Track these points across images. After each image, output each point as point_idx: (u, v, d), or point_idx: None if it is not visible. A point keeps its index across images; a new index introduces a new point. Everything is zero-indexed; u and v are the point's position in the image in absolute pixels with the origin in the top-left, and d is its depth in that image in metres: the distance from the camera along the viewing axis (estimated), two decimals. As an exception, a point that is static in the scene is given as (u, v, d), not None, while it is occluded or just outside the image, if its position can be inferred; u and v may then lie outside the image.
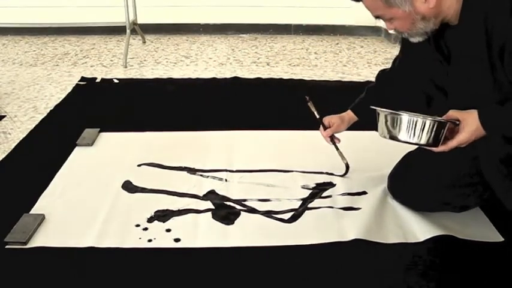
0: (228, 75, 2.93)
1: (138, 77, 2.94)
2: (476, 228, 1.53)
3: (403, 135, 1.32)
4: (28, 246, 1.45)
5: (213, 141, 2.07)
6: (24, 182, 1.79)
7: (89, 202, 1.67)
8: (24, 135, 2.15)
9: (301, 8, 3.73)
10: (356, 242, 1.45)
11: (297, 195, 1.71)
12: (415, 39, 1.33)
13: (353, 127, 2.05)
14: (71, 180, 1.80)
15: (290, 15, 3.79)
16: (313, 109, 1.78)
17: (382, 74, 1.71)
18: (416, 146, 1.59)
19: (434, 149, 1.33)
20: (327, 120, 1.76)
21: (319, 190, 1.74)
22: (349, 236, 1.48)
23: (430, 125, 1.29)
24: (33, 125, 2.25)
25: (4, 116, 2.37)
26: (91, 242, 1.46)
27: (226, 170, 1.86)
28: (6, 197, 1.70)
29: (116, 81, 2.85)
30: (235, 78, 2.87)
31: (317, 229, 1.53)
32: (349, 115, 1.75)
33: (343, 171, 1.82)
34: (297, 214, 1.61)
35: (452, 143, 1.30)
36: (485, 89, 1.28)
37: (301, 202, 1.67)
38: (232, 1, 3.74)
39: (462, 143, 1.29)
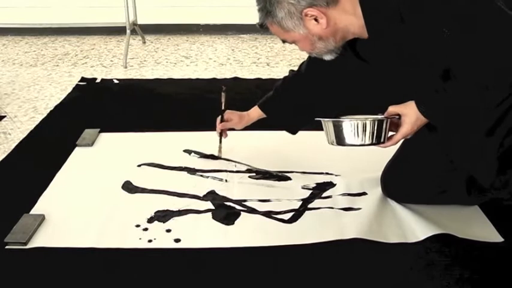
0: (228, 76, 2.93)
1: (138, 77, 2.94)
2: (475, 228, 1.53)
3: (348, 139, 1.37)
4: (28, 246, 1.45)
5: (213, 142, 2.07)
6: (24, 183, 1.79)
7: (89, 202, 1.67)
8: (24, 136, 2.15)
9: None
10: (356, 241, 1.45)
11: (297, 195, 1.71)
12: (326, 57, 1.40)
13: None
14: (71, 181, 1.80)
15: (290, 16, 3.78)
16: (223, 100, 1.88)
17: (289, 74, 1.81)
18: (398, 145, 1.62)
19: (381, 146, 1.38)
20: (227, 114, 1.87)
21: (319, 190, 1.74)
22: (349, 236, 1.48)
23: (370, 125, 1.35)
24: (33, 125, 2.26)
25: (4, 116, 2.37)
26: (91, 243, 1.46)
27: (226, 171, 1.86)
28: (6, 198, 1.70)
29: (116, 81, 2.85)
30: (236, 79, 2.87)
31: (317, 229, 1.53)
32: (253, 113, 1.86)
33: (340, 172, 1.84)
34: (297, 214, 1.61)
35: (397, 137, 1.36)
36: (411, 86, 1.36)
37: (301, 202, 1.67)
38: (232, 1, 3.74)
39: (407, 135, 1.35)
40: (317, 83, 1.68)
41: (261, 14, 1.36)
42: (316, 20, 1.28)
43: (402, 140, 1.44)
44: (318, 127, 1.46)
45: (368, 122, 1.34)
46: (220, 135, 1.91)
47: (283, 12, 1.29)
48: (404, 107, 1.34)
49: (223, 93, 1.88)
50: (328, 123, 1.40)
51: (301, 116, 1.76)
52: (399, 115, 1.35)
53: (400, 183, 1.61)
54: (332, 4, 1.27)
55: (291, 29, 1.32)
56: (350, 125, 1.36)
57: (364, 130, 1.35)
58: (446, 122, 1.35)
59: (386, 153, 1.78)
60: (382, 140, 1.37)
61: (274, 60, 3.25)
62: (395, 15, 1.24)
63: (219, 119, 1.87)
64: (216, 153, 1.94)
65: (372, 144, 1.37)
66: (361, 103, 1.51)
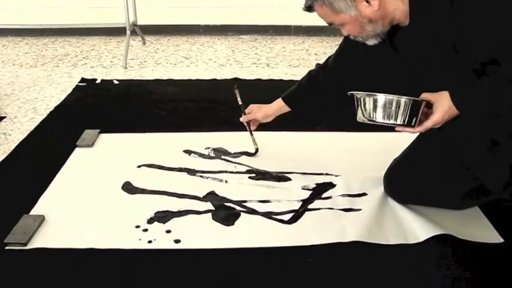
0: (228, 77, 2.93)
1: (138, 78, 2.94)
2: (476, 229, 1.53)
3: (379, 116, 1.35)
4: (28, 247, 1.45)
5: (213, 143, 2.07)
6: (24, 183, 1.79)
7: (89, 203, 1.67)
8: (24, 136, 2.15)
9: (301, 9, 3.72)
10: (356, 243, 1.45)
11: (297, 196, 1.71)
12: (370, 42, 1.39)
13: (352, 128, 2.06)
14: (71, 182, 1.80)
15: (290, 16, 3.79)
16: (238, 96, 1.93)
17: (314, 70, 1.80)
18: (405, 145, 1.61)
19: (410, 129, 1.37)
20: (249, 107, 1.91)
21: (319, 191, 1.74)
22: (350, 237, 1.48)
23: (405, 104, 1.32)
24: (33, 126, 2.25)
25: (4, 117, 2.37)
26: (91, 243, 1.46)
27: (226, 171, 1.86)
28: (6, 198, 1.70)
29: (116, 82, 2.85)
30: (235, 79, 2.87)
31: (317, 230, 1.53)
32: (274, 105, 1.86)
33: (340, 173, 1.83)
34: (297, 215, 1.61)
35: (427, 123, 1.34)
36: (446, 79, 1.34)
37: (301, 203, 1.67)
38: (232, 2, 3.74)
39: (437, 123, 1.34)
40: (345, 76, 1.66)
41: None
42: (367, 1, 1.28)
43: (417, 135, 1.44)
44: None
45: (404, 100, 1.32)
46: (249, 127, 1.94)
47: None
48: (438, 95, 1.33)
49: (236, 90, 1.91)
50: (360, 96, 1.38)
51: (322, 110, 1.78)
52: (432, 102, 1.33)
53: (404, 183, 1.60)
54: None
55: (342, 10, 1.30)
56: (385, 100, 1.34)
57: (398, 108, 1.33)
58: (476, 116, 1.34)
59: (386, 154, 1.78)
60: (412, 124, 1.34)
61: (274, 61, 3.25)
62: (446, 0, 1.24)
63: (243, 115, 1.92)
64: (252, 150, 1.97)
65: (402, 125, 1.35)
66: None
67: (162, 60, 3.28)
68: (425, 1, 1.29)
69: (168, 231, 1.53)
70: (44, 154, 2.00)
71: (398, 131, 1.40)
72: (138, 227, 1.55)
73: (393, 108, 1.33)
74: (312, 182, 1.79)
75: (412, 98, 1.33)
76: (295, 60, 3.24)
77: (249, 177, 1.83)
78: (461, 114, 1.32)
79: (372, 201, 1.66)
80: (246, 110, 1.91)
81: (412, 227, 1.53)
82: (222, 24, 3.85)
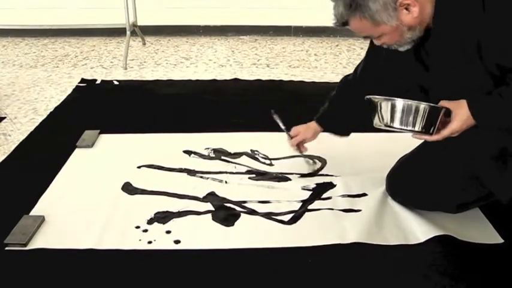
0: (228, 77, 2.93)
1: (138, 78, 2.94)
2: (476, 229, 1.53)
3: (397, 122, 1.32)
4: (28, 247, 1.45)
5: (213, 143, 2.07)
6: (24, 184, 1.79)
7: (89, 204, 1.66)
8: (24, 137, 2.15)
9: (301, 9, 3.73)
10: (356, 244, 1.45)
11: (297, 196, 1.71)
12: (403, 48, 1.37)
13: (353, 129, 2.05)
14: (71, 182, 1.80)
15: (290, 17, 3.79)
16: (278, 121, 1.87)
17: (344, 82, 1.75)
18: (412, 148, 1.60)
19: (428, 137, 1.34)
20: (294, 130, 1.84)
21: (319, 191, 1.74)
22: (350, 238, 1.48)
23: (424, 110, 1.29)
24: (33, 127, 2.26)
25: (4, 118, 2.37)
26: (91, 244, 1.46)
27: (226, 172, 1.86)
28: (6, 199, 1.70)
29: (116, 82, 2.85)
30: (235, 80, 2.87)
31: (317, 231, 1.53)
32: (315, 125, 1.81)
33: (340, 173, 1.84)
34: (297, 216, 1.61)
35: (444, 132, 1.32)
36: (468, 85, 1.31)
37: (301, 204, 1.67)
38: (232, 3, 3.74)
39: (454, 132, 1.32)
40: (372, 90, 1.56)
41: (344, 11, 1.29)
42: (407, 9, 1.26)
43: (422, 142, 1.41)
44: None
45: (423, 106, 1.29)
46: (300, 151, 1.86)
47: (378, 4, 1.24)
48: (457, 104, 1.30)
49: (275, 116, 1.88)
50: (379, 101, 1.35)
51: (355, 122, 1.72)
52: (450, 110, 1.31)
53: (408, 187, 1.59)
54: None
55: (383, 22, 1.27)
56: (403, 105, 1.30)
57: (417, 114, 1.29)
58: (493, 126, 1.31)
59: (386, 154, 1.78)
60: (431, 131, 1.31)
61: (274, 61, 3.25)
62: (477, 3, 1.21)
63: (288, 137, 1.85)
64: (311, 170, 1.89)
65: (420, 132, 1.32)
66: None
67: (162, 61, 3.28)
68: (454, 3, 1.26)
69: (168, 232, 1.53)
70: (44, 155, 2.00)
71: (415, 138, 1.39)
72: (138, 227, 1.55)
73: (412, 114, 1.30)
74: (312, 182, 1.79)
75: (431, 104, 1.30)
76: (295, 61, 3.24)
77: (249, 178, 1.83)
78: (479, 124, 1.29)
79: (372, 201, 1.66)
80: (292, 133, 1.84)
81: (412, 227, 1.53)
82: (222, 24, 3.85)
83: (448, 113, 1.31)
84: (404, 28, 1.29)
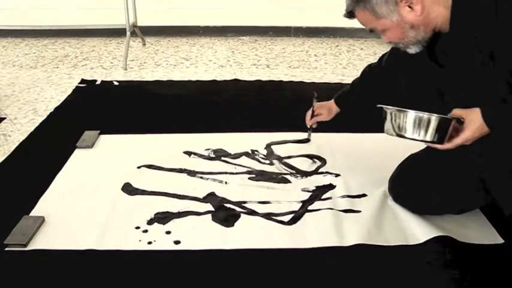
0: (228, 78, 2.93)
1: (138, 79, 2.94)
2: (476, 230, 1.53)
3: (409, 132, 1.35)
4: (28, 248, 1.45)
5: (213, 144, 2.07)
6: (24, 184, 1.79)
7: (89, 204, 1.66)
8: (24, 137, 2.15)
9: (301, 10, 3.73)
10: (356, 244, 1.45)
11: (297, 197, 1.71)
12: (411, 50, 1.37)
13: (353, 129, 2.06)
14: (70, 183, 1.80)
15: (290, 18, 3.79)
16: (314, 103, 1.94)
17: (368, 69, 1.79)
18: (419, 149, 1.60)
19: (439, 146, 1.35)
20: (317, 110, 1.94)
21: (319, 192, 1.74)
22: (350, 239, 1.48)
23: (435, 122, 1.31)
24: (33, 127, 2.25)
25: (4, 118, 2.37)
26: (91, 244, 1.46)
27: (226, 173, 1.86)
28: (6, 199, 1.70)
29: (115, 83, 2.85)
30: (235, 81, 2.87)
31: (317, 232, 1.53)
32: (332, 104, 1.89)
33: (339, 172, 1.84)
34: (296, 216, 1.61)
35: (457, 140, 1.32)
36: (481, 91, 1.30)
37: (301, 204, 1.67)
38: (232, 3, 3.74)
39: (467, 141, 1.31)
40: (395, 77, 1.61)
41: (350, 2, 1.32)
42: (410, 6, 1.26)
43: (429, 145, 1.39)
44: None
45: (434, 118, 1.31)
46: (310, 127, 2.01)
47: None
48: (470, 112, 1.29)
49: (315, 99, 1.95)
50: (390, 111, 1.37)
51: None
52: (463, 118, 1.31)
53: (412, 193, 1.57)
54: None
55: (384, 15, 1.29)
56: (415, 116, 1.33)
57: (428, 125, 1.32)
58: (506, 135, 1.29)
59: (386, 155, 1.79)
60: (443, 140, 1.33)
61: (274, 62, 3.25)
62: (490, 9, 1.21)
63: (309, 113, 1.95)
64: (305, 136, 2.07)
65: (431, 142, 1.34)
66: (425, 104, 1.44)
67: (162, 62, 3.28)
68: (468, 9, 1.26)
69: (168, 232, 1.53)
70: (44, 155, 2.00)
71: (427, 145, 1.39)
72: (138, 228, 1.55)
73: (423, 125, 1.32)
74: (312, 182, 1.79)
75: (442, 116, 1.31)
76: (295, 62, 3.24)
77: (249, 178, 1.83)
78: (492, 133, 1.28)
79: (372, 202, 1.66)
80: (316, 112, 1.94)
81: (412, 228, 1.53)
82: (222, 25, 3.85)
83: (461, 121, 1.31)
84: (406, 25, 1.30)
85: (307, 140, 2.06)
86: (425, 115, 1.32)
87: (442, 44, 1.36)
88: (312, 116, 1.95)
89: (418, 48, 1.36)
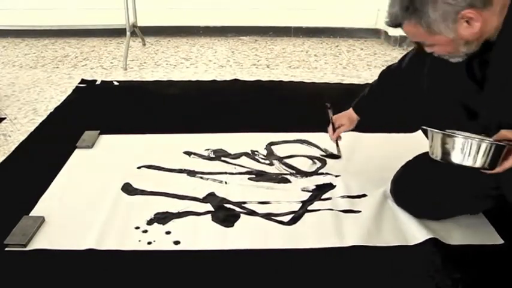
0: (228, 78, 2.93)
1: (138, 79, 2.94)
2: (476, 230, 1.53)
3: (457, 157, 1.25)
4: (28, 248, 1.45)
5: (213, 144, 2.07)
6: (24, 184, 1.79)
7: (89, 204, 1.67)
8: (24, 138, 2.15)
9: (301, 10, 3.73)
10: (356, 245, 1.45)
11: (297, 197, 1.71)
12: (454, 60, 1.28)
13: (352, 129, 2.05)
14: (70, 183, 1.80)
15: (290, 18, 3.79)
16: (330, 114, 1.84)
17: (387, 70, 1.69)
18: (419, 151, 1.59)
19: (488, 171, 1.26)
20: (337, 121, 1.81)
21: (318, 192, 1.74)
22: (349, 240, 1.48)
23: (486, 148, 1.22)
24: (33, 127, 2.26)
25: (4, 118, 2.37)
26: (91, 244, 1.46)
27: (226, 173, 1.86)
28: (6, 199, 1.70)
29: (115, 83, 2.85)
30: (235, 81, 2.87)
31: (317, 232, 1.53)
32: (351, 112, 1.79)
33: (339, 173, 1.84)
34: (296, 216, 1.61)
35: (506, 164, 1.23)
36: None
37: (301, 204, 1.67)
38: (232, 3, 3.74)
39: None
40: (417, 79, 1.50)
41: (401, 12, 1.19)
42: (467, 22, 1.15)
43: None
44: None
45: (485, 145, 1.21)
46: (336, 141, 1.88)
47: (438, 13, 1.14)
48: None
49: (329, 110, 1.84)
50: (437, 134, 1.28)
51: (393, 113, 1.66)
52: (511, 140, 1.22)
53: (416, 198, 1.54)
54: (488, 5, 1.14)
55: (440, 32, 1.18)
56: (463, 142, 1.23)
57: (478, 151, 1.22)
58: None
59: (386, 155, 1.79)
60: (494, 166, 1.23)
61: (274, 62, 3.25)
62: None
63: (330, 128, 1.83)
64: (335, 152, 1.95)
65: (481, 168, 1.24)
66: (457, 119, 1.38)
67: (162, 62, 3.28)
68: None
69: (168, 233, 1.53)
70: (44, 155, 2.00)
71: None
72: (137, 228, 1.55)
73: (473, 151, 1.23)
74: (312, 183, 1.79)
75: (494, 142, 1.22)
76: (295, 62, 3.24)
77: (249, 179, 1.83)
78: None
79: (371, 202, 1.66)
80: (336, 125, 1.82)
81: (412, 228, 1.53)
82: (222, 25, 3.85)
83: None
84: (460, 41, 1.20)
85: (337, 156, 1.93)
86: (475, 141, 1.22)
87: (486, 53, 1.25)
88: (334, 129, 1.83)
89: (462, 59, 1.27)
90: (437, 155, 1.30)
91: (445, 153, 1.27)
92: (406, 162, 1.63)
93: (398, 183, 1.63)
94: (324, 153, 1.98)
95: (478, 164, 1.24)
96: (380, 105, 1.72)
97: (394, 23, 1.23)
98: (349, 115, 1.80)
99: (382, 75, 1.71)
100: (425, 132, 1.35)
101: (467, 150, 1.24)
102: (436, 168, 1.44)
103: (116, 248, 1.45)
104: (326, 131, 1.86)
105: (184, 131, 2.19)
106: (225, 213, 1.62)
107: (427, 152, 1.35)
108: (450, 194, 1.48)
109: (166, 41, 3.75)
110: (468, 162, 1.24)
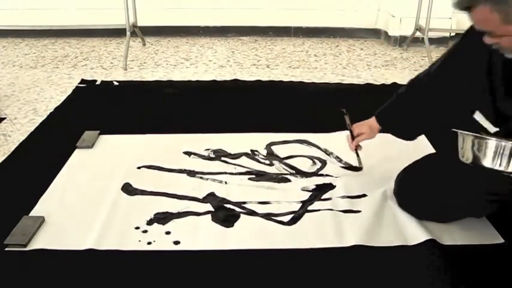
0: (228, 78, 2.93)
1: (138, 79, 2.94)
2: (476, 230, 1.53)
3: (488, 161, 1.22)
4: (28, 248, 1.45)
5: (213, 144, 2.07)
6: (24, 184, 1.79)
7: (89, 204, 1.66)
8: (24, 138, 2.15)
9: (301, 10, 3.73)
10: (356, 245, 1.45)
11: (297, 197, 1.71)
12: (510, 55, 1.22)
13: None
14: (70, 183, 1.80)
15: (290, 18, 3.79)
16: (347, 120, 1.75)
17: (415, 79, 1.61)
18: (420, 152, 1.57)
19: None
20: (356, 129, 1.72)
21: (318, 192, 1.74)
22: (349, 240, 1.48)
23: None
24: (33, 127, 2.25)
25: (4, 118, 2.37)
26: (91, 244, 1.46)
27: (226, 173, 1.86)
28: (6, 199, 1.70)
29: (115, 83, 2.85)
30: (235, 81, 2.87)
31: (317, 232, 1.53)
32: (373, 121, 1.69)
33: (340, 174, 1.84)
34: (296, 216, 1.61)
35: None
36: None
37: (301, 204, 1.67)
38: (232, 3, 3.74)
39: None
40: (448, 91, 1.46)
41: None
42: None
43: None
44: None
45: None
46: (356, 150, 1.77)
47: None
48: None
49: (346, 116, 1.76)
50: (467, 137, 1.26)
51: (419, 123, 1.58)
52: None
53: (420, 200, 1.53)
54: None
55: None
56: (496, 145, 1.20)
57: (511, 155, 1.19)
58: None
59: (386, 155, 1.78)
60: None
61: (274, 62, 3.25)
62: None
63: (349, 137, 1.74)
64: (357, 165, 1.85)
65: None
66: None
67: (162, 62, 3.28)
68: None
69: (168, 233, 1.53)
70: (44, 155, 2.00)
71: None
72: (137, 228, 1.55)
73: (505, 154, 1.19)
74: (312, 183, 1.79)
75: None
76: (295, 62, 3.24)
77: (249, 179, 1.83)
78: None
79: (371, 202, 1.66)
80: (355, 133, 1.72)
81: (412, 228, 1.52)
82: (222, 25, 3.85)
83: None
84: None
85: (359, 168, 1.84)
86: (508, 144, 1.19)
87: None
88: (353, 137, 1.73)
89: None
90: (468, 158, 1.27)
91: (476, 156, 1.24)
92: (410, 163, 1.61)
93: (403, 185, 1.61)
94: (343, 166, 1.89)
95: (510, 168, 1.20)
96: (406, 115, 1.60)
97: (466, 4, 1.15)
98: (370, 124, 1.69)
99: (410, 84, 1.62)
100: (454, 136, 1.30)
101: (499, 154, 1.20)
102: (444, 171, 1.43)
103: (115, 248, 1.45)
104: (326, 131, 1.86)
105: (184, 131, 2.19)
106: (225, 213, 1.62)
107: (433, 154, 1.32)
108: (457, 198, 1.46)
109: (166, 41, 3.75)
110: (500, 166, 1.21)
